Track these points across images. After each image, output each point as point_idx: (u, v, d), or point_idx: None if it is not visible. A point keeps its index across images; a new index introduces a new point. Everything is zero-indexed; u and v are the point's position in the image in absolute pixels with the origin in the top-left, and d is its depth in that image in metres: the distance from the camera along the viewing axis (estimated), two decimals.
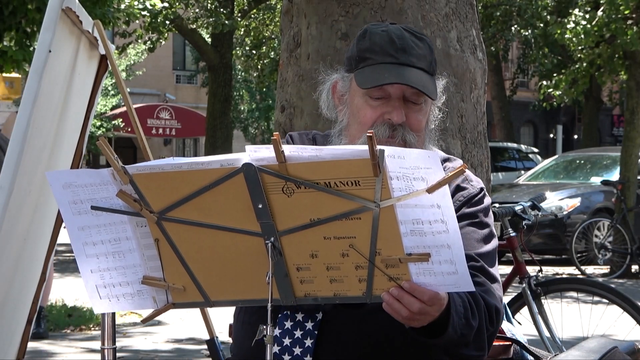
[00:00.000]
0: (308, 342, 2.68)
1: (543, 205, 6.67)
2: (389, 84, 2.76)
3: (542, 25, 24.84)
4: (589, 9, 17.72)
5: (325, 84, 2.93)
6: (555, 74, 23.08)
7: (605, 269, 15.08)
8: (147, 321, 2.61)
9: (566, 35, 16.74)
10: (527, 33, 27.89)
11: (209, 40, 23.59)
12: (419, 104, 2.82)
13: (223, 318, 4.01)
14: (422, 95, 2.81)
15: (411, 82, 2.77)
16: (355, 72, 2.81)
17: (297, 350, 2.69)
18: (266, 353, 2.33)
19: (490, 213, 2.88)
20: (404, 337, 2.63)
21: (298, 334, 2.71)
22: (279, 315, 2.73)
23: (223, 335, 4.05)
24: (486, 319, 2.64)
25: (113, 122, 33.47)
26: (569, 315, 6.48)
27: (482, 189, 2.86)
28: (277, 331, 2.71)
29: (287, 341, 2.71)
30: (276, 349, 2.69)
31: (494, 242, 2.83)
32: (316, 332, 2.68)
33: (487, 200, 2.86)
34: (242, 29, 25.80)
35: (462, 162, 2.70)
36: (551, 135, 46.19)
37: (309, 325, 2.71)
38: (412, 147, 2.71)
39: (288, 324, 2.72)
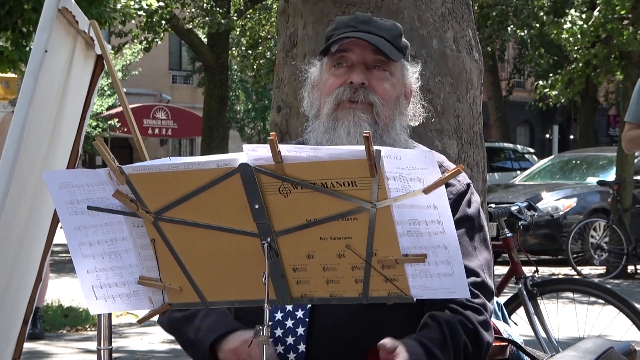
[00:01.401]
0: (300, 330, 2.70)
1: (539, 205, 6.68)
2: (341, 39, 2.82)
3: (538, 25, 24.87)
4: (585, 9, 17.76)
5: (306, 84, 2.97)
6: (551, 74, 23.10)
7: (602, 270, 15.08)
8: (144, 322, 2.61)
9: (562, 36, 16.76)
10: (523, 33, 27.90)
11: (205, 40, 23.57)
12: (383, 71, 2.86)
13: None
14: (387, 64, 2.86)
15: (363, 38, 2.83)
16: (322, 51, 2.90)
17: (290, 340, 2.71)
18: (263, 353, 2.33)
19: (482, 212, 2.90)
20: (393, 318, 2.66)
21: (289, 323, 2.73)
22: (268, 309, 2.74)
23: None
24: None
25: (109, 122, 33.45)
26: (565, 316, 6.48)
27: (469, 185, 2.87)
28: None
29: (279, 332, 2.74)
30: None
31: (489, 244, 2.85)
32: (307, 320, 2.70)
33: (476, 198, 2.87)
34: (238, 29, 25.79)
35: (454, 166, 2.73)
36: (547, 136, 46.23)
37: (299, 313, 2.74)
38: (378, 110, 2.81)
39: (278, 315, 2.74)
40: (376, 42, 2.83)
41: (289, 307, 2.74)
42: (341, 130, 2.79)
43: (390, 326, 2.68)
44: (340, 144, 2.75)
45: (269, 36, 26.19)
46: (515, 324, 5.24)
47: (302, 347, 2.70)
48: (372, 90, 2.82)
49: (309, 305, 2.71)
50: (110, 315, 3.02)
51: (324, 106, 2.86)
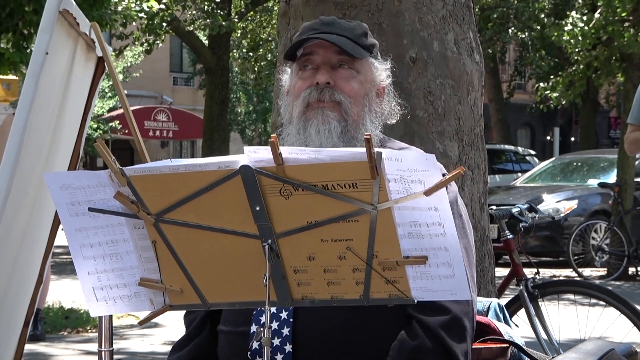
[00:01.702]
0: (285, 331, 2.72)
1: (540, 207, 6.67)
2: (303, 42, 2.87)
3: (539, 27, 24.85)
4: (586, 11, 17.75)
5: (281, 93, 3.03)
6: (552, 76, 23.09)
7: (603, 272, 15.08)
8: (144, 323, 2.61)
9: (563, 38, 16.74)
10: (524, 35, 27.89)
11: (206, 42, 23.58)
12: (349, 69, 2.90)
13: None
14: (352, 62, 2.90)
15: (323, 38, 2.87)
16: (286, 57, 2.96)
17: (277, 341, 2.73)
18: (263, 354, 2.33)
19: (459, 199, 2.93)
20: (379, 316, 2.69)
21: (274, 325, 2.76)
22: (254, 312, 2.76)
23: None
24: None
25: (110, 124, 33.46)
26: (566, 318, 6.48)
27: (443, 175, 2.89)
28: (254, 328, 2.75)
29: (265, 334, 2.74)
30: (256, 344, 2.73)
31: (468, 231, 2.87)
32: (291, 320, 2.72)
33: (454, 188, 2.89)
34: (239, 31, 25.79)
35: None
36: (548, 138, 46.21)
37: (284, 314, 2.76)
38: (346, 108, 2.85)
39: (263, 319, 2.75)
40: (337, 41, 2.87)
41: (273, 309, 2.77)
42: (311, 129, 2.84)
43: (375, 324, 2.71)
44: (311, 142, 2.80)
45: (270, 38, 26.18)
46: (516, 325, 5.24)
47: (288, 348, 2.72)
48: (338, 89, 2.86)
49: (291, 308, 2.73)
50: (111, 316, 3.01)
51: (293, 106, 2.90)
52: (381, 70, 2.98)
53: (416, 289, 2.33)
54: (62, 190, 2.33)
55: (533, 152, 27.40)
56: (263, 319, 2.75)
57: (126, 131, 32.50)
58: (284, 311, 2.76)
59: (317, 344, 2.70)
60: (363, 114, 2.88)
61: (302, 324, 2.73)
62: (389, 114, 2.98)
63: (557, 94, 19.23)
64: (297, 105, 2.88)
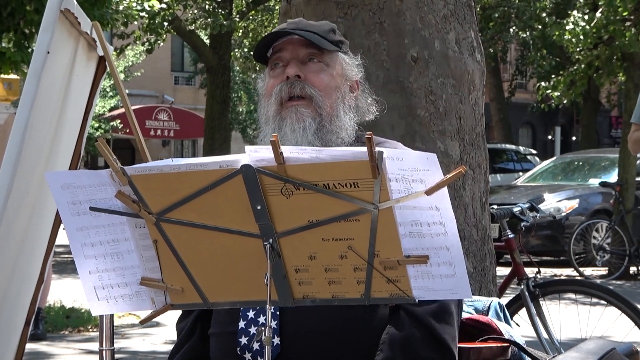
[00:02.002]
0: (273, 324, 2.72)
1: (541, 206, 6.67)
2: (272, 39, 2.92)
3: (540, 26, 24.85)
4: (587, 10, 17.74)
5: (260, 99, 3.05)
6: (553, 76, 23.09)
7: (604, 271, 15.08)
8: (146, 322, 2.61)
9: (564, 37, 16.74)
10: (525, 35, 27.89)
11: (208, 41, 23.58)
12: (317, 62, 2.92)
13: None
14: (321, 56, 2.92)
15: (289, 31, 2.91)
16: (255, 59, 3.02)
17: (256, 346, 2.73)
18: (265, 353, 2.33)
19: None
20: (365, 309, 2.69)
21: (262, 319, 2.76)
22: (241, 307, 2.77)
23: None
24: None
25: (111, 123, 33.46)
26: (567, 317, 6.48)
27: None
28: (242, 324, 2.77)
29: (253, 330, 2.78)
30: (244, 340, 2.75)
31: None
32: (278, 314, 2.74)
33: None
34: (241, 31, 25.80)
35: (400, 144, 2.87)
36: (549, 137, 46.21)
37: (262, 319, 2.78)
38: (318, 102, 2.87)
39: (251, 314, 2.79)
40: (304, 35, 2.91)
41: (252, 315, 2.80)
42: (286, 128, 2.86)
43: (363, 317, 2.73)
44: (287, 141, 2.81)
45: None
46: (517, 325, 5.24)
47: (276, 340, 2.73)
48: (309, 82, 2.88)
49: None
50: (112, 316, 3.02)
51: (269, 109, 2.92)
52: (352, 66, 3.01)
53: (417, 288, 2.33)
54: (63, 189, 2.33)
55: (534, 152, 27.39)
56: (250, 314, 2.77)
57: (127, 130, 32.48)
58: (261, 316, 2.78)
59: (304, 337, 2.72)
60: (336, 106, 2.90)
61: (289, 317, 2.74)
62: (365, 110, 3.00)
63: (559, 93, 19.24)
64: (271, 104, 2.91)
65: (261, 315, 2.78)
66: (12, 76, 17.90)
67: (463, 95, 4.53)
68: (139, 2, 17.18)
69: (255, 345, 2.76)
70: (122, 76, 32.32)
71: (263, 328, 2.33)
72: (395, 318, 2.72)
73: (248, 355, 2.76)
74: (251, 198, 2.26)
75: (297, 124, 2.84)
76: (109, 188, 2.32)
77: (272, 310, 2.74)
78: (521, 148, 26.96)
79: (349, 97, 2.95)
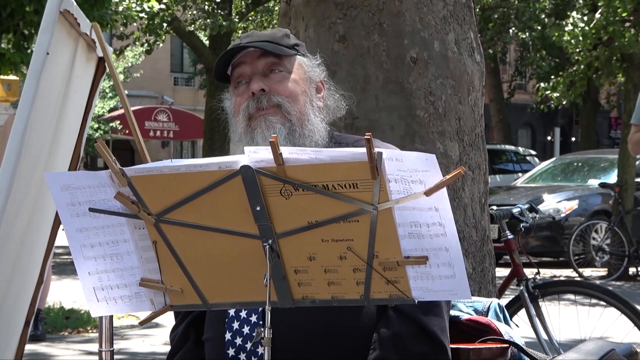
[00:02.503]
0: (267, 335, 2.72)
1: (541, 207, 6.68)
2: (227, 53, 2.92)
3: (539, 27, 24.86)
4: (586, 11, 17.76)
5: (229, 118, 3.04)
6: (553, 77, 23.10)
7: (603, 272, 15.09)
8: (145, 323, 2.61)
9: (564, 38, 16.75)
10: (524, 36, 27.90)
11: (207, 42, 23.58)
12: (279, 72, 2.92)
13: None
14: (281, 64, 2.92)
15: (243, 44, 2.91)
16: (218, 80, 3.01)
17: (249, 346, 2.74)
18: (265, 355, 2.33)
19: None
20: (353, 317, 2.71)
21: (246, 330, 2.79)
22: (226, 319, 2.78)
23: None
24: None
25: (111, 124, 33.46)
26: (567, 318, 6.48)
27: None
28: (228, 335, 2.78)
29: (238, 341, 2.79)
30: (232, 351, 2.76)
31: None
32: (261, 322, 2.74)
33: None
34: (240, 31, 25.79)
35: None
36: (549, 138, 46.22)
37: (254, 318, 2.79)
38: (287, 108, 2.87)
39: (236, 325, 2.80)
40: (259, 45, 2.90)
41: (243, 314, 2.81)
42: (257, 137, 2.87)
43: (350, 324, 2.73)
44: None
45: None
46: (516, 325, 5.24)
47: (261, 350, 2.73)
48: (274, 92, 2.89)
49: (260, 309, 2.74)
50: (111, 317, 3.02)
51: (239, 126, 2.93)
52: (314, 66, 3.01)
53: (417, 289, 2.33)
54: (62, 190, 2.33)
55: (534, 152, 27.39)
56: (235, 325, 2.78)
57: (127, 131, 32.49)
58: (253, 314, 2.78)
59: (290, 346, 2.71)
60: (305, 110, 2.90)
61: (274, 327, 2.74)
62: (335, 107, 3.00)
63: (558, 94, 19.24)
64: (240, 121, 2.91)
65: (245, 326, 2.78)
66: (12, 77, 17.90)
67: (462, 96, 4.53)
68: (138, 3, 17.18)
69: (242, 357, 2.76)
70: (121, 77, 32.35)
71: (261, 329, 2.33)
72: (385, 317, 2.73)
73: None
74: (250, 199, 2.26)
75: (268, 132, 2.84)
76: (108, 189, 2.32)
77: (256, 320, 2.76)
78: (520, 149, 26.96)
79: (316, 99, 2.96)
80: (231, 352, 2.78)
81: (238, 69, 2.93)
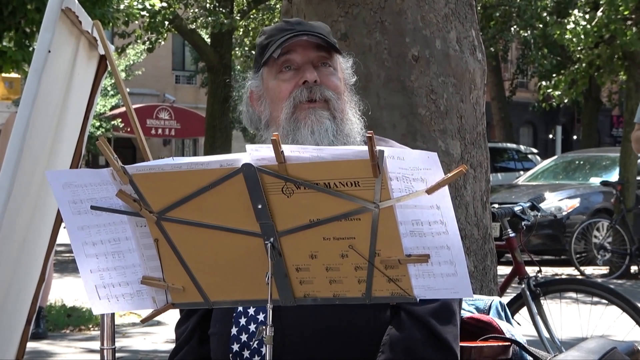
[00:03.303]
0: (269, 333, 2.71)
1: (542, 205, 6.68)
2: (289, 37, 2.85)
3: (541, 26, 24.84)
4: (588, 9, 17.74)
5: (242, 99, 3.00)
6: (554, 75, 23.07)
7: (605, 270, 15.08)
8: (147, 321, 2.61)
9: (565, 36, 16.74)
10: (526, 34, 27.88)
11: (209, 40, 23.58)
12: (329, 67, 2.90)
13: None
14: (330, 59, 2.90)
15: (308, 32, 2.87)
16: (263, 61, 2.91)
17: (254, 344, 2.73)
18: (266, 353, 2.33)
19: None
20: (361, 317, 2.70)
21: (252, 327, 2.77)
22: (234, 314, 2.77)
23: None
24: None
25: (112, 122, 33.46)
26: (568, 316, 6.49)
27: None
28: (234, 330, 2.77)
29: (244, 337, 2.78)
30: (236, 347, 2.75)
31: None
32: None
33: None
34: (242, 30, 25.80)
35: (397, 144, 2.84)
36: (550, 136, 46.21)
37: (261, 317, 2.78)
38: (334, 104, 2.85)
39: (242, 321, 2.78)
40: (318, 37, 2.88)
41: (251, 312, 2.79)
42: (304, 130, 2.82)
43: (358, 324, 2.72)
44: (306, 142, 2.78)
45: None
46: (518, 324, 5.24)
47: (264, 350, 2.71)
48: (325, 86, 2.86)
49: (271, 308, 2.73)
50: (113, 315, 3.01)
51: (279, 113, 2.87)
52: (348, 68, 3.00)
53: (418, 287, 2.33)
54: (64, 188, 2.33)
55: (535, 151, 27.38)
56: (242, 320, 2.78)
57: (128, 129, 32.48)
58: (261, 313, 2.77)
59: (298, 346, 2.70)
60: (346, 110, 2.90)
61: (283, 326, 2.73)
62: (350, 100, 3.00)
63: (560, 93, 19.23)
64: (286, 107, 2.85)
65: (251, 323, 2.78)
66: (13, 75, 17.91)
67: (464, 94, 4.53)
68: (140, 1, 17.19)
69: (246, 354, 2.76)
70: (123, 75, 32.34)
71: (263, 327, 2.33)
72: (396, 319, 2.70)
73: None
74: (252, 197, 2.26)
75: (318, 126, 2.81)
76: (110, 187, 2.32)
77: (263, 319, 2.75)
78: (522, 147, 26.95)
79: (353, 101, 2.95)
80: (235, 347, 2.77)
81: (287, 55, 2.88)
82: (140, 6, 17.14)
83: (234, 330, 2.79)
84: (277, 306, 2.41)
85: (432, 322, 2.68)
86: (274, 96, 2.90)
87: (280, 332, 2.71)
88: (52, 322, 9.54)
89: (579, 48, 17.35)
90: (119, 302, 2.46)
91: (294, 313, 2.66)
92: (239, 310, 2.80)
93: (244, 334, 2.78)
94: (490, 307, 3.10)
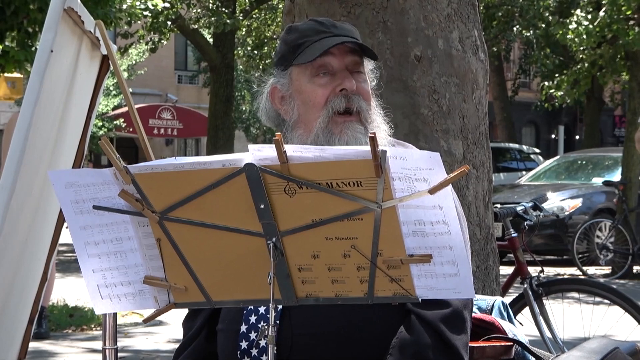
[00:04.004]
0: (272, 332, 2.71)
1: (545, 205, 6.68)
2: (336, 45, 2.81)
3: (544, 25, 24.85)
4: (590, 9, 17.73)
5: (262, 94, 2.95)
6: (557, 75, 23.08)
7: (607, 270, 15.08)
8: (149, 321, 2.61)
9: (568, 36, 16.74)
10: (529, 34, 27.87)
11: (211, 40, 23.58)
12: (361, 73, 2.87)
13: None
14: (360, 64, 2.87)
15: (353, 39, 2.83)
16: (295, 60, 2.85)
17: (263, 342, 2.73)
18: (268, 353, 2.33)
19: (453, 191, 2.92)
20: (365, 321, 2.70)
21: (262, 326, 2.74)
22: (244, 311, 2.77)
23: None
24: None
25: (115, 122, 33.46)
26: (571, 316, 6.48)
27: None
28: (243, 327, 2.77)
29: (252, 335, 2.78)
30: (244, 344, 2.75)
31: (466, 228, 2.87)
32: (277, 322, 2.71)
33: None
34: (244, 29, 25.81)
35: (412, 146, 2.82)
36: (553, 136, 46.18)
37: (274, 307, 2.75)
38: (365, 116, 2.83)
39: (253, 319, 2.78)
40: (358, 43, 2.85)
41: (262, 310, 2.78)
42: (339, 144, 2.78)
43: (364, 327, 2.71)
44: None
45: (274, 36, 26.19)
46: (520, 324, 5.23)
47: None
48: (360, 94, 2.84)
49: (280, 307, 2.72)
50: (115, 314, 3.02)
51: (311, 117, 2.84)
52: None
53: (420, 287, 2.33)
54: (66, 188, 2.33)
55: (537, 151, 27.37)
56: (252, 318, 2.77)
57: (131, 129, 32.48)
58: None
59: (304, 346, 2.70)
60: (375, 117, 2.87)
61: (293, 326, 2.72)
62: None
63: (562, 92, 19.25)
64: (322, 116, 2.81)
65: (261, 322, 2.77)
66: (16, 75, 17.93)
67: (466, 94, 4.53)
68: (143, 1, 17.19)
69: (254, 352, 2.76)
70: (125, 75, 32.35)
71: (266, 326, 2.33)
72: (407, 322, 2.69)
73: None
74: (254, 197, 2.26)
75: (352, 141, 2.78)
76: (112, 187, 2.32)
77: (273, 318, 2.74)
78: (524, 147, 26.94)
79: (378, 105, 2.93)
80: (244, 344, 2.77)
81: (325, 58, 2.83)
82: (142, 6, 17.14)
83: (243, 328, 2.79)
84: (287, 306, 2.40)
85: (442, 327, 2.67)
86: (307, 100, 2.85)
87: (289, 332, 2.71)
88: (55, 321, 9.54)
89: (581, 48, 17.35)
90: (121, 301, 2.46)
91: (303, 313, 2.67)
92: (249, 308, 2.79)
93: (253, 332, 2.78)
94: (492, 307, 3.10)
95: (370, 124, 2.84)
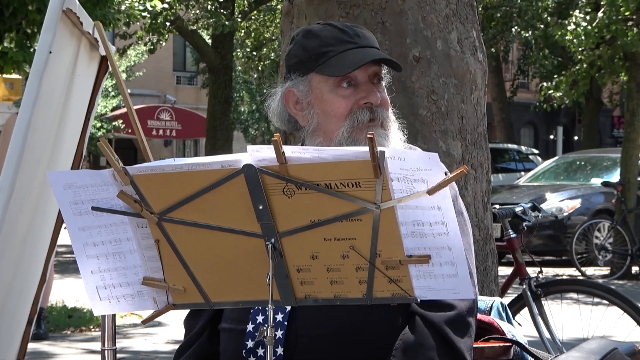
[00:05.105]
0: (279, 334, 2.71)
1: (543, 206, 6.69)
2: (370, 62, 2.79)
3: (542, 26, 24.84)
4: (589, 10, 17.72)
5: (275, 95, 2.92)
6: (555, 76, 23.08)
7: (606, 270, 15.08)
8: (148, 322, 2.61)
9: (566, 37, 16.73)
10: (527, 34, 27.87)
11: (210, 41, 23.59)
12: (379, 83, 2.86)
13: None
14: (380, 73, 2.85)
15: (384, 57, 2.83)
16: (318, 69, 2.81)
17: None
18: (267, 353, 2.33)
19: (458, 196, 2.91)
20: (372, 323, 2.69)
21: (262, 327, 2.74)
22: (252, 310, 2.76)
23: None
24: None
25: (113, 123, 33.47)
26: (569, 317, 6.49)
27: (446, 173, 2.88)
28: (250, 326, 2.76)
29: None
30: (251, 343, 2.74)
31: (469, 229, 2.87)
32: (286, 323, 2.71)
33: (453, 185, 2.81)
34: (243, 31, 25.80)
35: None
36: (551, 137, 46.19)
37: (279, 317, 2.75)
38: (389, 128, 2.81)
39: (260, 319, 2.77)
40: (384, 57, 2.84)
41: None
42: None
43: (370, 330, 2.71)
44: None
45: (273, 37, 26.20)
46: (519, 324, 5.23)
47: (280, 350, 2.71)
48: (384, 108, 2.83)
49: (288, 309, 2.72)
50: (114, 315, 3.01)
51: (332, 128, 2.81)
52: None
53: (419, 288, 2.33)
54: (65, 189, 2.33)
55: (536, 151, 27.36)
56: (259, 318, 2.77)
57: (129, 130, 32.51)
58: (280, 313, 2.75)
59: (311, 348, 2.70)
60: (394, 127, 2.86)
61: (297, 327, 2.72)
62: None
63: (561, 93, 19.23)
64: (345, 126, 2.78)
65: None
66: (14, 76, 17.90)
67: (465, 94, 4.53)
68: (141, 2, 17.17)
69: (260, 352, 2.75)
70: (124, 76, 32.35)
71: (265, 327, 2.32)
72: (411, 324, 2.69)
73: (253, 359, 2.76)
74: (253, 198, 2.26)
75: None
76: (111, 188, 2.32)
77: (281, 319, 2.73)
78: (523, 148, 26.93)
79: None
80: (250, 344, 2.76)
81: (352, 73, 2.80)
82: (141, 7, 17.11)
83: (249, 327, 2.78)
84: (292, 307, 2.39)
85: (446, 330, 2.67)
86: (329, 110, 2.82)
87: (293, 332, 2.71)
88: (53, 322, 9.54)
89: (579, 49, 17.33)
90: (120, 303, 2.46)
91: (308, 314, 2.67)
92: (256, 307, 2.78)
93: (250, 340, 2.77)
94: (491, 307, 3.10)
95: (390, 132, 2.83)
